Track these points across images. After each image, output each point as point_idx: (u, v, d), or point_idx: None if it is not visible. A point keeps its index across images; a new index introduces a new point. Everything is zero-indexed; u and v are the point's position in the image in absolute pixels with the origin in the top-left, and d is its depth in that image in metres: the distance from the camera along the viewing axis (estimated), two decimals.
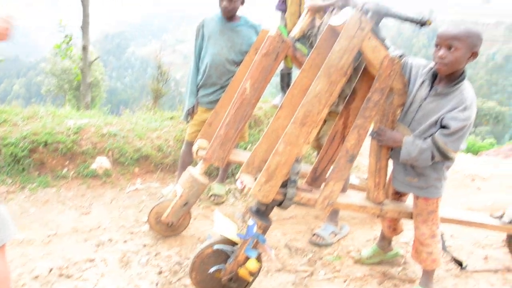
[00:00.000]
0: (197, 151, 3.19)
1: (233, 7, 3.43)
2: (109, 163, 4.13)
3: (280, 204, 2.52)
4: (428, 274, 2.77)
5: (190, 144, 3.73)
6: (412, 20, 2.31)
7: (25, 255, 2.96)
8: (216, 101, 3.51)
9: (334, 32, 2.45)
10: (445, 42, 2.33)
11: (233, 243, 2.55)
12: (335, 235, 3.39)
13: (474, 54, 2.36)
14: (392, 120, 2.57)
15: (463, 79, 2.42)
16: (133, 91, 66.83)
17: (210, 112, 3.59)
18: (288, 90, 2.53)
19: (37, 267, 2.84)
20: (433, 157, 2.45)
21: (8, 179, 3.85)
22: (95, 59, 8.01)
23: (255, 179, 2.48)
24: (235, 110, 2.99)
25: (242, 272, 2.52)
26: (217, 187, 3.96)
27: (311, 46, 3.38)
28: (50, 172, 4.04)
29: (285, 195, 2.47)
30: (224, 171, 4.05)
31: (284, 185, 2.45)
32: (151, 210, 3.23)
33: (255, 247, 2.52)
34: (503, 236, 3.49)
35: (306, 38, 3.34)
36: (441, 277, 3.00)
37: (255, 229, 2.47)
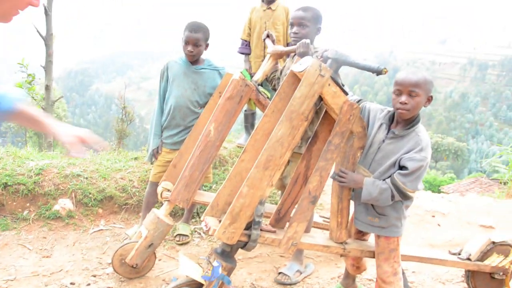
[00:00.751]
0: (161, 192, 3.21)
1: (197, 52, 3.52)
2: (72, 204, 4.07)
3: (244, 245, 2.55)
4: None
5: (155, 184, 3.74)
6: (369, 69, 2.43)
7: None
8: (180, 142, 3.56)
9: (295, 78, 2.54)
10: (406, 89, 2.47)
11: (199, 285, 2.55)
12: (300, 273, 3.42)
13: (430, 99, 2.54)
14: (352, 162, 2.66)
15: (418, 122, 2.56)
16: (97, 127, 66.14)
17: (175, 153, 3.63)
18: (251, 134, 2.59)
19: None
20: (393, 197, 2.55)
21: None
22: (58, 99, 7.90)
23: (219, 221, 2.51)
24: (200, 152, 3.03)
25: None
26: (182, 227, 3.95)
27: (274, 89, 3.49)
28: (10, 214, 3.95)
29: (249, 236, 2.50)
30: (189, 212, 4.05)
31: (248, 227, 2.49)
32: (115, 252, 3.20)
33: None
34: (462, 271, 3.60)
35: (269, 81, 3.45)
36: None
37: (220, 270, 2.48)
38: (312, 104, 2.41)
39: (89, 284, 3.19)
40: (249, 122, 4.94)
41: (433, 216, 4.89)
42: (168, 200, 3.13)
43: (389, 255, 2.74)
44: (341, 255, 2.90)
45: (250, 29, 4.61)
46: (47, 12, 5.27)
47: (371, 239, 2.96)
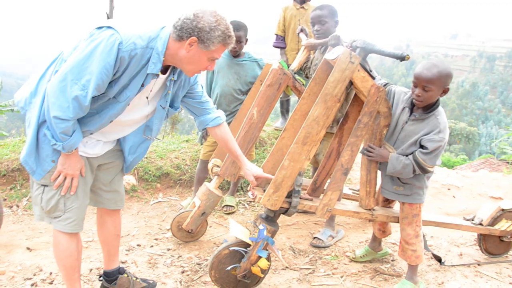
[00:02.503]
0: (212, 168, 3.29)
1: (239, 48, 3.59)
2: (135, 180, 4.22)
3: (285, 211, 2.61)
4: (412, 269, 2.85)
5: (205, 162, 3.84)
6: (393, 56, 2.43)
7: None
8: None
9: (328, 65, 2.58)
10: (421, 83, 2.46)
11: (247, 245, 2.63)
12: (332, 238, 3.47)
13: (446, 90, 2.51)
14: (379, 138, 2.68)
15: (437, 106, 2.55)
16: None
17: None
18: (290, 115, 2.64)
19: None
20: (414, 171, 2.58)
21: None
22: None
23: (264, 191, 2.58)
24: (244, 133, 3.10)
25: (255, 269, 2.60)
26: (228, 199, 4.05)
27: (306, 77, 3.52)
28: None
29: (290, 203, 2.57)
30: (235, 185, 4.14)
31: (289, 195, 2.55)
32: (173, 220, 3.32)
33: (265, 248, 2.60)
34: (474, 236, 3.59)
35: (302, 70, 3.48)
36: (424, 271, 3.08)
37: (265, 233, 2.56)
38: (343, 88, 2.44)
39: (152, 246, 3.31)
40: (285, 107, 5.00)
41: (449, 189, 4.85)
42: (217, 175, 3.21)
43: (412, 219, 2.77)
44: (369, 220, 2.93)
45: (284, 25, 4.64)
46: (109, 19, 5.41)
47: (396, 207, 2.99)
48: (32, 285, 2.72)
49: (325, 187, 2.71)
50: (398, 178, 2.72)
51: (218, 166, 3.27)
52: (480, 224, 3.19)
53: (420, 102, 2.50)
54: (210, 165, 3.31)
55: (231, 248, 2.61)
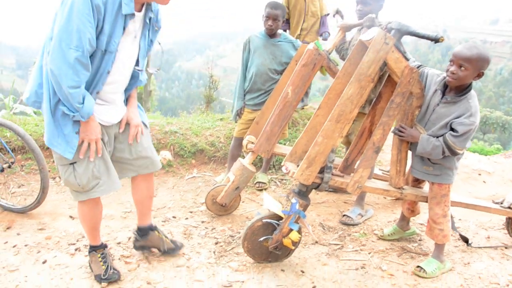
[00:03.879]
0: (246, 145, 3.41)
1: (276, 26, 3.67)
2: (171, 155, 4.40)
3: (317, 186, 2.72)
4: (439, 248, 2.92)
5: (238, 139, 3.97)
6: (428, 37, 2.48)
7: (109, 227, 3.24)
8: (261, 103, 3.75)
9: (363, 46, 2.64)
10: (458, 61, 2.50)
11: (279, 218, 2.76)
12: (362, 216, 3.57)
13: (480, 74, 2.54)
14: (411, 119, 2.74)
15: (469, 90, 2.59)
16: (180, 99, 67.90)
17: (256, 113, 3.83)
18: (325, 93, 2.73)
19: (119, 236, 3.11)
20: (443, 153, 2.64)
21: None
22: (155, 71, 8.30)
23: (298, 166, 2.69)
24: (279, 111, 3.20)
25: (286, 241, 2.73)
26: (261, 176, 4.18)
27: (342, 59, 3.58)
28: None
29: (322, 179, 2.67)
30: (267, 163, 4.27)
31: (321, 171, 2.65)
32: (208, 193, 3.48)
33: (296, 221, 2.72)
34: (503, 220, 3.62)
35: (338, 52, 3.55)
36: (450, 252, 3.15)
37: (297, 206, 2.68)
38: (377, 68, 2.51)
39: (187, 218, 3.49)
40: None
41: (479, 174, 4.85)
42: (252, 151, 3.34)
43: (440, 199, 2.83)
44: (398, 199, 3.01)
45: (288, 8, 4.65)
46: None
47: (426, 188, 3.06)
48: (76, 249, 2.92)
49: (356, 165, 2.79)
50: (428, 159, 2.78)
51: (252, 143, 3.39)
52: (509, 207, 3.22)
53: (454, 80, 2.53)
54: (244, 142, 3.44)
55: (264, 220, 2.74)
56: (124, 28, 2.15)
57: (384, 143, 2.73)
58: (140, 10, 2.25)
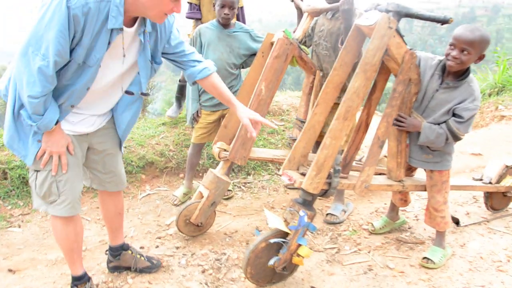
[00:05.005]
0: (218, 153, 3.01)
1: (232, 15, 3.26)
2: None
3: (324, 193, 2.43)
4: (441, 235, 2.82)
5: (198, 146, 3.55)
6: (434, 19, 2.26)
7: (65, 274, 2.65)
8: (220, 103, 3.33)
9: (359, 32, 2.38)
10: (460, 45, 2.34)
11: (284, 235, 2.43)
12: (345, 212, 3.36)
13: (481, 57, 2.41)
14: (409, 107, 2.56)
15: (469, 74, 2.47)
16: None
17: (215, 114, 3.44)
18: (322, 88, 2.42)
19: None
20: (447, 139, 2.51)
21: (20, 202, 3.43)
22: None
23: (301, 173, 2.38)
24: (254, 110, 2.84)
25: (297, 260, 2.42)
26: None
27: (304, 44, 3.28)
28: None
29: (329, 184, 2.39)
30: (229, 169, 3.88)
31: (328, 175, 2.37)
32: (180, 214, 3.00)
33: (304, 235, 2.42)
34: (472, 193, 3.67)
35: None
36: None
37: (306, 219, 2.37)
38: (382, 55, 2.26)
39: (157, 246, 2.99)
40: (182, 92, 4.39)
41: None
42: (226, 159, 2.95)
43: (441, 186, 2.72)
44: (400, 192, 2.84)
45: None
46: None
47: (418, 175, 2.93)
48: None
49: (359, 163, 2.56)
50: (427, 147, 2.63)
51: (225, 150, 3.00)
52: (490, 183, 3.23)
53: (456, 65, 2.38)
54: (216, 150, 3.02)
55: (271, 241, 2.40)
56: (109, 43, 1.87)
57: (387, 136, 2.51)
58: (131, 25, 1.95)
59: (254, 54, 3.32)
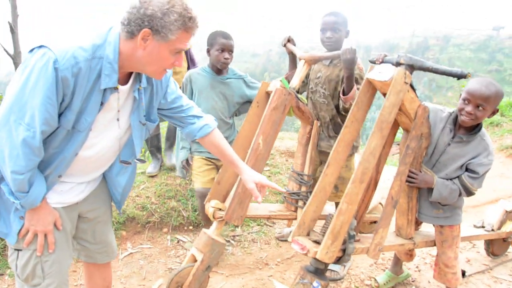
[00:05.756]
0: (213, 213, 2.76)
1: (231, 59, 3.07)
2: None
3: (338, 260, 2.24)
4: None
5: (205, 190, 3.22)
6: (450, 74, 2.14)
7: None
8: None
9: (370, 86, 2.23)
10: (475, 101, 2.23)
11: None
12: (344, 267, 3.17)
13: (495, 111, 2.32)
14: (420, 162, 2.42)
15: (481, 128, 2.38)
16: None
17: (211, 161, 3.20)
18: (333, 147, 2.25)
19: None
20: (460, 195, 2.39)
21: None
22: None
23: (314, 241, 2.19)
24: (251, 166, 2.63)
25: None
26: None
27: (297, 91, 3.12)
28: None
29: (343, 251, 2.20)
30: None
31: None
32: (171, 280, 2.69)
33: None
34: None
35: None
36: None
37: None
38: (397, 111, 2.13)
39: None
40: (154, 145, 4.14)
41: None
42: (222, 220, 2.72)
43: (452, 242, 2.59)
44: (410, 250, 2.69)
45: None
46: (12, 30, 4.42)
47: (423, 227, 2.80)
48: None
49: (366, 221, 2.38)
50: (438, 202, 2.50)
51: (221, 210, 2.76)
52: (492, 230, 3.14)
53: (469, 121, 2.27)
54: (210, 210, 2.77)
55: None
56: (102, 103, 1.65)
57: (401, 195, 2.36)
58: (126, 82, 1.73)
59: (248, 101, 3.14)
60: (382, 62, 2.30)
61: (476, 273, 3.14)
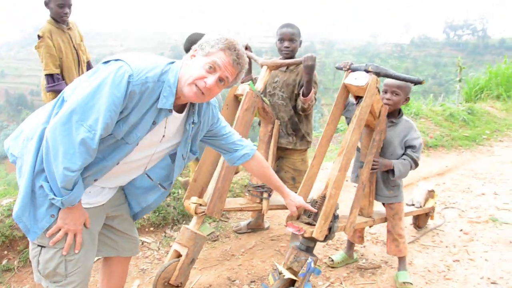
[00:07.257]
0: (195, 208, 2.99)
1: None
2: None
3: (325, 238, 2.63)
4: (404, 260, 3.21)
5: None
6: (409, 80, 2.66)
7: None
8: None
9: (345, 90, 2.67)
10: (391, 89, 2.88)
11: (290, 283, 2.56)
12: None
13: (407, 99, 2.98)
14: (379, 151, 2.92)
15: (403, 113, 3.04)
16: None
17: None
18: (319, 142, 2.64)
19: None
20: (411, 168, 2.98)
21: None
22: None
23: (308, 223, 2.55)
24: (226, 167, 2.93)
25: None
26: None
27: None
28: None
29: (329, 229, 2.60)
30: None
31: None
32: (159, 277, 2.88)
33: (308, 280, 2.59)
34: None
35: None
36: (391, 257, 3.48)
37: (312, 264, 2.54)
38: (369, 110, 2.59)
39: None
40: None
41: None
42: (203, 214, 2.96)
43: (401, 214, 3.17)
44: (370, 226, 3.19)
45: (61, 59, 3.82)
46: None
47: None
48: None
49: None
50: (389, 183, 3.04)
51: (201, 205, 3.00)
52: (421, 206, 3.80)
53: (392, 105, 2.90)
54: (191, 206, 3.00)
55: None
56: (155, 123, 1.84)
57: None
58: (181, 111, 1.96)
59: None
60: (349, 69, 2.75)
61: (408, 243, 3.77)
